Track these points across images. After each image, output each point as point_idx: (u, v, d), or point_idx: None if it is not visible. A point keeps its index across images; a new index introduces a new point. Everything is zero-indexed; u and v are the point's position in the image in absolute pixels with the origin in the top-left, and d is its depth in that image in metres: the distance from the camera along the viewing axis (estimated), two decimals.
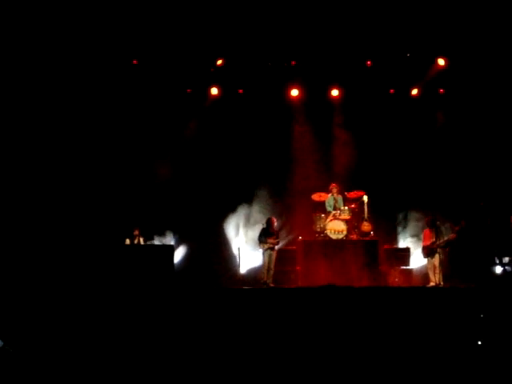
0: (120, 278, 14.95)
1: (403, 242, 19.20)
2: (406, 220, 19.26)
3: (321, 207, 18.80)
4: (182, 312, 13.39)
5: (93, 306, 13.32)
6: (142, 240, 18.11)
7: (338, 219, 18.43)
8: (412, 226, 19.06)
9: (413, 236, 18.93)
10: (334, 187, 18.69)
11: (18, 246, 15.84)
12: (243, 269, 18.96)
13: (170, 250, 16.72)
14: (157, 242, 18.66)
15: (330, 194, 18.73)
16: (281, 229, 18.51)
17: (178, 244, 18.94)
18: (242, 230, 19.32)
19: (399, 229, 19.39)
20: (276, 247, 17.75)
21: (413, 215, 19.06)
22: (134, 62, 18.51)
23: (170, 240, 18.89)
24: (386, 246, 18.76)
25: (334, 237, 18.35)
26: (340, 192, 18.73)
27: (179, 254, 18.77)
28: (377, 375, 10.39)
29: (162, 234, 18.82)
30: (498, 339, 11.69)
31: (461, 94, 19.15)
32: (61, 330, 12.14)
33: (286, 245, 18.80)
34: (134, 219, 18.45)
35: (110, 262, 15.48)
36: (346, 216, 18.51)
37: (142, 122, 19.15)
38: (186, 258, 18.97)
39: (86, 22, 17.34)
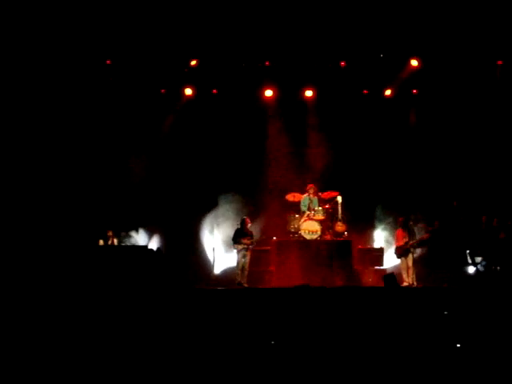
0: (93, 279, 14.88)
1: (377, 242, 19.30)
2: (379, 220, 19.34)
3: (295, 207, 18.86)
4: (157, 313, 13.34)
5: (66, 308, 13.24)
6: (115, 241, 18.03)
7: (312, 219, 18.48)
8: (385, 226, 19.15)
9: (386, 236, 19.02)
10: (310, 188, 18.74)
11: None
12: (217, 269, 18.96)
13: (144, 251, 16.69)
14: (131, 240, 18.59)
15: (305, 195, 18.78)
16: (255, 230, 18.50)
17: (152, 243, 18.87)
18: (216, 231, 19.32)
19: (372, 229, 19.48)
20: (250, 247, 17.77)
21: (386, 215, 19.16)
22: (108, 62, 18.43)
23: (143, 239, 18.84)
24: (359, 246, 18.85)
25: (308, 237, 18.40)
26: (315, 192, 18.79)
27: (152, 254, 18.67)
28: (350, 375, 10.42)
29: (134, 232, 18.76)
30: (470, 339, 11.76)
31: (434, 94, 19.29)
32: (32, 332, 12.06)
33: (260, 245, 18.78)
34: (108, 218, 18.39)
35: (82, 263, 15.42)
36: (320, 216, 18.57)
37: (115, 122, 19.08)
38: (160, 259, 18.87)
39: (61, 22, 17.25)
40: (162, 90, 19.41)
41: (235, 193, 19.18)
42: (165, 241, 19.08)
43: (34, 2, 17.00)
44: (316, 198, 18.74)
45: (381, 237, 19.21)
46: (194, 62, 18.72)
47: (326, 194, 18.97)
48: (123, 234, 18.54)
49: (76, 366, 10.44)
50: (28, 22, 17.10)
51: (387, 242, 18.82)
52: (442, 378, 10.12)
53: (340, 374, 10.30)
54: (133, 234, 18.76)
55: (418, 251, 17.75)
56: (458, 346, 11.18)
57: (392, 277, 13.73)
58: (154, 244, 18.85)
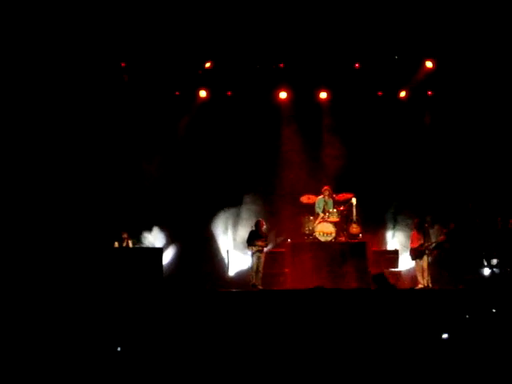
0: (109, 281, 14.92)
1: (391, 244, 19.24)
2: (394, 222, 19.29)
3: (309, 209, 18.82)
4: (171, 315, 13.35)
5: (81, 310, 13.26)
6: (130, 243, 18.05)
7: (326, 221, 18.44)
8: (400, 228, 19.10)
9: (401, 238, 18.98)
10: (326, 189, 18.66)
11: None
12: (232, 271, 18.96)
13: (159, 252, 16.73)
14: (146, 243, 18.63)
15: (320, 196, 18.73)
16: (269, 231, 18.49)
17: (167, 246, 18.90)
18: (230, 233, 19.32)
19: (388, 231, 19.43)
20: (265, 249, 17.78)
21: (401, 217, 19.11)
22: (123, 64, 18.48)
23: (159, 241, 18.86)
24: (374, 248, 18.80)
25: (322, 239, 18.34)
26: (330, 195, 18.75)
27: (168, 256, 18.71)
28: (367, 377, 10.39)
29: (149, 233, 18.78)
30: (486, 340, 11.71)
31: (449, 95, 19.22)
32: (48, 334, 12.09)
33: (275, 247, 18.79)
34: (123, 220, 18.42)
35: (98, 265, 15.45)
36: (335, 218, 18.51)
37: (131, 124, 19.12)
38: (175, 261, 18.94)
39: (76, 24, 17.32)
40: (177, 93, 19.41)
41: (250, 195, 19.21)
42: (180, 243, 19.11)
43: (50, 5, 17.10)
44: (331, 199, 18.69)
45: (396, 239, 19.17)
46: (208, 65, 18.75)
47: (341, 196, 18.92)
48: (138, 235, 18.58)
49: (87, 365, 10.46)
50: (44, 25, 17.19)
51: (402, 244, 18.78)
52: (455, 380, 10.09)
53: (356, 376, 10.27)
54: (147, 235, 18.79)
55: (434, 253, 17.72)
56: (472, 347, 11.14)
57: (381, 277, 13.65)
58: (168, 246, 18.93)
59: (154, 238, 18.90)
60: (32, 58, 17.45)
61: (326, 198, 18.66)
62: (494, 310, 12.74)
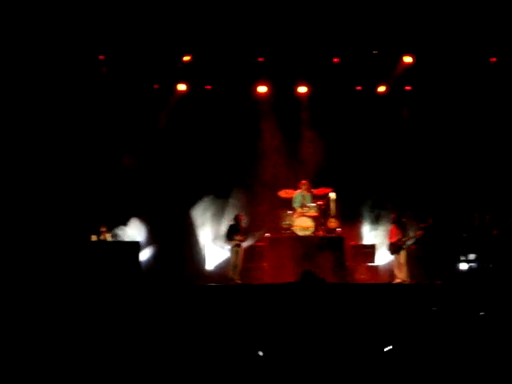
0: (85, 275, 14.83)
1: (369, 239, 19.30)
2: (372, 217, 19.35)
3: (288, 204, 18.85)
4: (149, 309, 13.31)
5: (57, 305, 13.18)
6: (108, 236, 17.97)
7: (305, 216, 18.48)
8: (378, 222, 19.16)
9: (379, 233, 19.03)
10: (303, 184, 18.71)
11: None
12: (210, 265, 18.94)
13: (136, 246, 16.66)
14: (124, 236, 18.52)
15: (298, 191, 18.77)
16: (248, 226, 18.47)
17: (145, 239, 18.82)
18: (208, 226, 19.29)
19: (365, 226, 19.47)
20: (243, 244, 17.79)
21: (379, 212, 19.17)
22: (101, 57, 18.36)
23: (137, 235, 18.77)
24: (352, 243, 18.85)
25: (301, 233, 18.39)
26: (308, 189, 18.77)
27: (146, 249, 18.64)
28: (343, 371, 10.42)
29: (127, 227, 18.70)
30: (462, 335, 11.78)
31: (427, 90, 19.31)
32: (19, 330, 12.00)
33: (253, 242, 18.77)
34: (101, 213, 18.34)
35: (74, 259, 15.37)
36: (313, 213, 18.57)
37: (109, 116, 19.00)
38: (153, 254, 18.86)
39: (54, 16, 17.19)
40: (156, 86, 19.33)
41: (228, 189, 19.17)
42: (158, 236, 19.03)
43: None
44: (309, 194, 18.73)
45: (373, 233, 19.22)
46: (187, 58, 18.67)
47: (319, 191, 18.97)
48: (115, 229, 18.48)
49: (66, 360, 10.40)
50: (20, 16, 17.04)
51: (380, 238, 18.83)
52: (434, 374, 10.13)
53: (334, 370, 10.29)
54: (125, 228, 18.69)
55: (411, 248, 17.80)
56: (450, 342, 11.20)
57: (309, 273, 13.73)
58: (146, 239, 18.86)
59: (132, 232, 18.79)
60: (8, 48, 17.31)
61: (304, 192, 18.70)
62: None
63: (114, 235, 18.23)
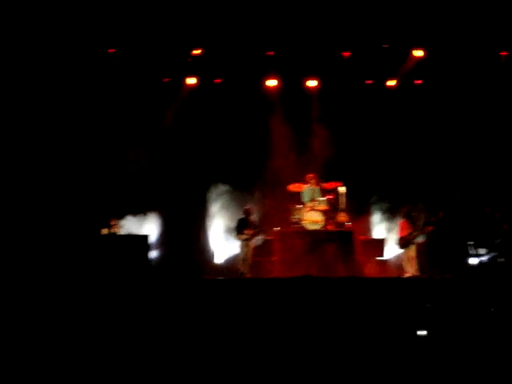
0: (94, 268, 14.86)
1: (379, 233, 19.27)
2: (381, 211, 19.32)
3: (298, 198, 18.80)
4: (157, 302, 13.33)
5: (66, 298, 13.20)
6: (118, 229, 18.00)
7: (314, 210, 18.45)
8: (388, 216, 19.13)
9: (388, 227, 19.01)
10: (311, 178, 18.67)
11: None
12: (220, 259, 18.96)
13: (145, 240, 16.70)
14: (133, 230, 18.53)
15: (307, 185, 18.73)
16: (258, 220, 18.47)
17: (154, 233, 18.85)
18: (218, 220, 19.29)
19: (375, 219, 19.44)
20: (254, 240, 17.83)
21: (389, 206, 19.14)
22: (111, 50, 18.35)
23: (146, 228, 18.79)
24: (361, 237, 18.82)
25: (310, 227, 18.36)
26: (317, 183, 18.75)
27: (155, 243, 18.64)
28: (353, 365, 10.41)
29: (137, 220, 18.74)
30: (471, 329, 11.75)
31: (438, 84, 19.24)
32: (29, 322, 12.03)
33: (263, 235, 18.73)
34: (111, 207, 18.38)
35: (83, 252, 15.40)
36: (323, 207, 18.54)
37: (118, 110, 19.02)
38: (162, 248, 18.88)
39: (62, 9, 17.20)
40: (165, 79, 19.32)
41: (238, 183, 19.17)
42: (167, 230, 19.06)
43: None
44: (318, 188, 18.70)
45: (383, 227, 19.19)
46: (197, 51, 18.65)
47: (329, 185, 18.93)
48: (125, 221, 18.52)
49: (73, 350, 10.43)
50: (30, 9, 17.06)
51: (390, 232, 18.80)
52: (442, 368, 10.12)
53: (343, 365, 10.29)
54: (135, 222, 18.73)
55: (421, 242, 17.77)
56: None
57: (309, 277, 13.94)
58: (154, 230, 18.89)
59: (142, 225, 18.84)
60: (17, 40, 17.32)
61: (313, 185, 18.67)
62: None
63: (124, 228, 18.28)
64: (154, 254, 17.79)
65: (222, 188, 19.18)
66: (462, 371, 9.96)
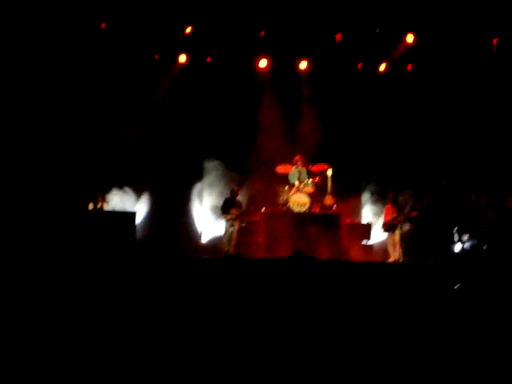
0: (80, 244, 14.88)
1: (365, 217, 19.36)
2: (368, 195, 19.40)
3: (285, 180, 18.85)
4: (142, 280, 13.35)
5: (51, 276, 13.19)
6: (104, 204, 17.97)
7: (301, 192, 18.49)
8: (374, 200, 19.20)
9: (375, 211, 19.09)
10: (298, 160, 18.70)
11: None
12: (205, 238, 19.01)
13: (132, 217, 16.73)
14: (119, 205, 18.50)
15: (294, 167, 18.77)
16: (243, 199, 18.52)
17: (140, 209, 18.85)
18: (205, 199, 19.32)
19: (362, 203, 19.52)
20: (238, 216, 17.87)
21: (375, 190, 19.21)
22: (102, 25, 18.26)
23: (131, 204, 18.78)
24: (347, 221, 18.88)
25: (296, 209, 18.41)
26: (304, 165, 18.77)
27: (141, 220, 18.66)
28: (336, 351, 10.46)
29: (123, 194, 18.71)
30: (455, 317, 11.83)
31: (428, 70, 19.24)
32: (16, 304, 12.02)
33: (249, 216, 18.78)
34: (98, 181, 18.36)
35: (71, 227, 15.41)
36: (310, 189, 18.58)
37: (109, 86, 18.93)
38: (148, 225, 18.89)
39: None
40: (156, 56, 19.25)
41: (226, 162, 19.17)
42: (153, 207, 19.07)
43: None
44: (305, 169, 18.73)
45: (370, 211, 19.27)
46: (189, 29, 18.54)
47: (317, 167, 18.96)
48: (112, 196, 18.48)
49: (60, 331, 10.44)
50: None
51: (376, 216, 18.89)
52: (425, 358, 10.18)
53: (327, 350, 10.33)
54: (121, 197, 18.69)
55: (406, 227, 17.85)
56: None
57: (300, 253, 13.98)
58: (141, 207, 18.88)
59: (129, 201, 18.82)
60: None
61: (300, 167, 18.69)
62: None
63: (111, 203, 18.25)
64: (140, 231, 17.82)
65: (210, 165, 19.21)
66: (443, 359, 10.03)
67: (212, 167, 19.19)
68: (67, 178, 18.04)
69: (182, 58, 19.29)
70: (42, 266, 13.39)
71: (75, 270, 13.32)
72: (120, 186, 18.66)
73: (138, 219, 18.00)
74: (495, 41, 18.42)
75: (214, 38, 18.63)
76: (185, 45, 18.97)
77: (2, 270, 12.83)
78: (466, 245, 17.02)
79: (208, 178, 19.22)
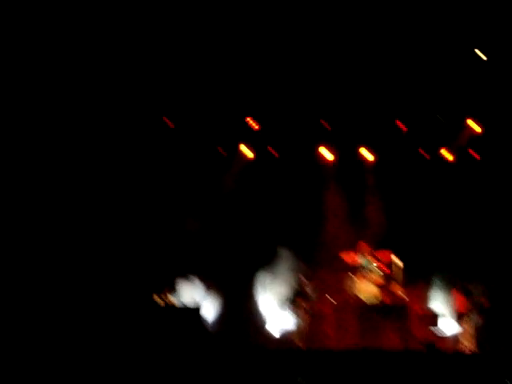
0: (146, 337, 14.96)
1: (435, 307, 19.01)
2: (438, 284, 19.10)
3: (352, 268, 18.69)
4: (211, 374, 13.29)
5: (119, 368, 13.23)
6: (169, 298, 18.05)
7: (368, 280, 18.34)
8: (444, 290, 18.90)
9: (445, 300, 18.76)
10: (363, 247, 18.66)
11: None
12: (273, 329, 18.86)
13: (197, 311, 16.83)
14: (184, 297, 18.54)
15: (360, 254, 18.69)
16: (311, 289, 18.41)
17: (206, 300, 18.86)
18: (272, 289, 19.24)
19: (431, 293, 19.21)
20: (306, 308, 17.73)
21: (445, 279, 18.93)
22: (167, 121, 18.72)
23: (197, 295, 18.81)
24: (416, 310, 18.58)
25: (363, 298, 18.23)
26: (370, 252, 18.68)
27: (207, 311, 18.63)
28: None
29: (188, 286, 18.78)
30: None
31: (496, 158, 19.12)
32: None
33: (316, 306, 18.62)
34: (164, 274, 18.49)
35: (136, 319, 15.52)
36: (376, 277, 18.41)
37: (174, 178, 19.30)
38: (215, 316, 18.85)
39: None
40: (220, 148, 19.57)
41: (293, 251, 19.12)
42: (220, 298, 19.06)
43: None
44: (372, 258, 18.62)
45: (439, 300, 18.94)
46: (251, 122, 18.91)
47: (382, 254, 18.83)
48: (176, 288, 18.58)
49: None
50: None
51: (446, 306, 18.55)
52: None
53: None
54: (186, 288, 18.77)
55: (477, 317, 17.50)
56: None
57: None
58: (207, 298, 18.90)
59: (193, 291, 18.86)
60: None
61: (366, 255, 18.61)
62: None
63: (177, 296, 18.34)
64: (207, 322, 17.80)
65: (277, 255, 19.19)
66: None
67: (279, 256, 19.16)
68: (134, 268, 18.26)
69: (245, 150, 19.59)
70: (109, 357, 13.46)
71: (140, 363, 13.36)
72: (186, 277, 18.74)
73: (205, 311, 18.04)
74: None
75: (277, 128, 18.93)
76: (247, 137, 19.28)
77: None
78: None
79: (275, 268, 19.17)
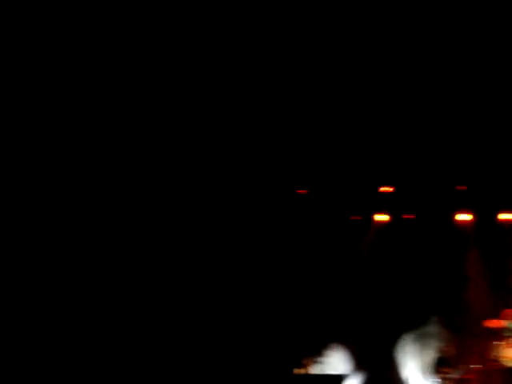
0: None
1: None
2: None
3: (495, 334, 18.31)
4: None
5: None
6: (311, 368, 18.02)
7: None
8: None
9: None
10: (508, 314, 18.22)
11: None
12: None
13: (339, 379, 16.72)
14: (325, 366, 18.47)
15: (506, 321, 18.25)
16: (455, 357, 18.07)
17: (349, 369, 18.73)
18: (414, 356, 18.97)
19: None
20: (451, 376, 17.43)
21: None
22: (302, 191, 18.89)
23: (339, 364, 18.69)
24: None
25: (509, 365, 17.78)
26: None
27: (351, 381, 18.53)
28: None
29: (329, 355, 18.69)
30: None
31: None
32: None
33: (460, 373, 18.25)
34: (303, 345, 18.48)
35: None
36: None
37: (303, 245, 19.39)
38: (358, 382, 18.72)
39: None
40: (354, 217, 19.58)
41: (434, 318, 18.84)
42: (362, 367, 18.90)
43: None
44: None
45: None
46: (387, 189, 18.87)
47: None
48: (318, 359, 18.54)
49: None
50: None
51: None
52: None
53: None
54: (326, 357, 18.71)
55: None
56: None
57: None
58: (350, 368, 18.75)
59: (334, 361, 18.78)
60: None
61: (510, 321, 18.17)
62: None
63: (317, 365, 18.28)
64: None
65: (420, 322, 18.94)
66: None
67: (422, 324, 18.90)
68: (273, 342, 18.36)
69: (381, 217, 19.51)
70: None
71: None
72: (328, 346, 18.70)
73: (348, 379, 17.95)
74: None
75: (413, 194, 18.80)
76: (383, 203, 19.23)
77: None
78: None
79: (417, 335, 18.91)
